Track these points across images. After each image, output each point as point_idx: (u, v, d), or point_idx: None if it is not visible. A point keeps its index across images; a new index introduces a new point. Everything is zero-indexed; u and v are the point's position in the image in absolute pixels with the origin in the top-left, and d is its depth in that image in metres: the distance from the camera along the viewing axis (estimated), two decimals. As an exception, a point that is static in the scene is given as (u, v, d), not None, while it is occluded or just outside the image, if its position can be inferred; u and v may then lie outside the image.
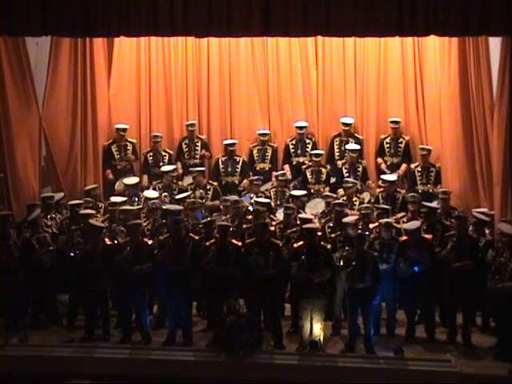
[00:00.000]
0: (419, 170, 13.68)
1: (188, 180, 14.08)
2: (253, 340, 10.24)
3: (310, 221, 11.55)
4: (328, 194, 12.97)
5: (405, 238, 11.12)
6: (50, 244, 11.44)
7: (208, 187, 13.64)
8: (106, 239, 11.24)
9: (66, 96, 13.94)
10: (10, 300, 10.97)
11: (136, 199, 13.16)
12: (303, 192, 13.10)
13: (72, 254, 11.20)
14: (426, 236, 11.13)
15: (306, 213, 12.47)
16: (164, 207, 12.24)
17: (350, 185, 13.03)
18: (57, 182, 13.86)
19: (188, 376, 10.23)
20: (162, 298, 11.27)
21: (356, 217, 11.70)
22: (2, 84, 12.82)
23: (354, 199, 12.88)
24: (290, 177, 14.10)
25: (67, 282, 11.59)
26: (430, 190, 13.51)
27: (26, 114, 13.28)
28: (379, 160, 14.34)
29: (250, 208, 12.44)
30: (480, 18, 11.17)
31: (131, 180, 13.67)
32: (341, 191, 13.22)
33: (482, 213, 11.76)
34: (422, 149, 13.71)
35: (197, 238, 11.12)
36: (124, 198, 12.97)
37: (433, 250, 10.94)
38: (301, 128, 14.43)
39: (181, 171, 14.40)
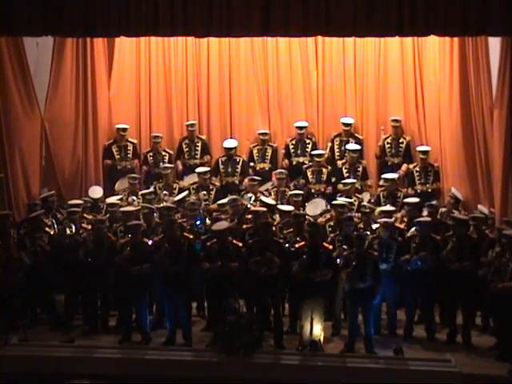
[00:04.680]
0: (417, 169, 13.70)
1: (189, 180, 14.09)
2: (253, 340, 10.24)
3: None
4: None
5: (413, 233, 11.13)
6: (41, 245, 11.44)
7: (211, 187, 13.65)
8: (109, 234, 11.44)
9: (68, 97, 13.97)
10: (9, 300, 10.98)
11: (134, 198, 13.23)
12: (301, 192, 13.11)
13: (68, 241, 11.34)
14: (435, 236, 11.11)
15: (306, 213, 12.49)
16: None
17: (349, 186, 13.06)
18: (55, 182, 13.86)
19: (188, 376, 10.22)
20: (160, 298, 11.28)
21: (353, 214, 11.77)
22: (5, 84, 12.82)
23: (353, 199, 12.89)
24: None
25: (64, 282, 11.61)
26: (429, 190, 13.54)
27: (26, 114, 13.27)
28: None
29: (250, 206, 12.45)
30: (479, 18, 11.16)
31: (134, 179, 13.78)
32: (340, 186, 13.29)
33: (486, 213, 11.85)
34: (422, 152, 13.71)
35: (191, 237, 11.12)
36: (120, 196, 13.14)
37: (439, 250, 10.91)
38: (301, 128, 14.43)
39: (181, 167, 14.44)
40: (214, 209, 13.03)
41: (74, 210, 12.02)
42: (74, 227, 11.78)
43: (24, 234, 11.69)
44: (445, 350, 10.57)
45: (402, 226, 11.85)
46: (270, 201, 12.77)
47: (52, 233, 11.95)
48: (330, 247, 10.89)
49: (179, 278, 10.66)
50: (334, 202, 12.28)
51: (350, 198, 12.83)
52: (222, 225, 11.03)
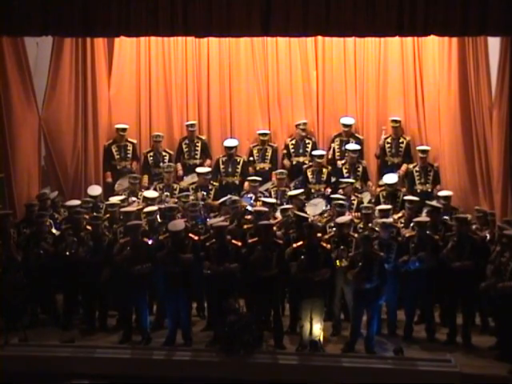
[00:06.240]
0: (417, 170, 13.69)
1: (189, 180, 14.09)
2: (253, 340, 10.23)
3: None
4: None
5: (412, 233, 11.15)
6: (45, 247, 11.46)
7: (210, 187, 13.65)
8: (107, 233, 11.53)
9: (66, 96, 13.98)
10: (10, 300, 10.99)
11: (134, 198, 13.22)
12: (301, 191, 13.10)
13: (68, 254, 11.28)
14: (435, 236, 11.11)
15: (306, 213, 12.47)
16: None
17: (344, 185, 13.06)
18: (56, 182, 13.88)
19: (188, 376, 10.23)
20: (161, 298, 11.28)
21: (350, 217, 11.75)
22: (6, 84, 12.83)
23: (352, 199, 12.89)
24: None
25: (64, 281, 11.61)
26: (429, 190, 13.53)
27: (27, 115, 13.30)
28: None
29: (249, 208, 12.45)
30: (479, 18, 11.19)
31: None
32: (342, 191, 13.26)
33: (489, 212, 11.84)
34: (421, 151, 13.71)
35: (196, 238, 11.13)
36: (123, 197, 13.05)
37: (438, 250, 10.90)
38: (301, 125, 14.41)
39: (181, 172, 14.42)
40: (215, 205, 13.03)
41: (78, 210, 11.99)
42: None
43: (30, 234, 11.70)
44: (445, 350, 10.56)
45: (397, 225, 11.84)
46: (271, 200, 12.76)
47: (54, 231, 11.98)
48: (328, 246, 10.89)
49: (181, 278, 10.67)
50: (334, 202, 12.25)
51: (350, 197, 12.82)
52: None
